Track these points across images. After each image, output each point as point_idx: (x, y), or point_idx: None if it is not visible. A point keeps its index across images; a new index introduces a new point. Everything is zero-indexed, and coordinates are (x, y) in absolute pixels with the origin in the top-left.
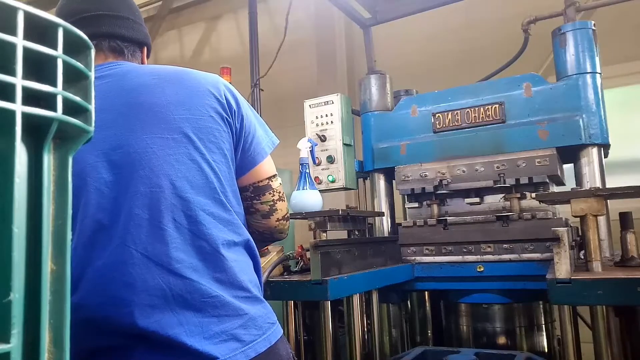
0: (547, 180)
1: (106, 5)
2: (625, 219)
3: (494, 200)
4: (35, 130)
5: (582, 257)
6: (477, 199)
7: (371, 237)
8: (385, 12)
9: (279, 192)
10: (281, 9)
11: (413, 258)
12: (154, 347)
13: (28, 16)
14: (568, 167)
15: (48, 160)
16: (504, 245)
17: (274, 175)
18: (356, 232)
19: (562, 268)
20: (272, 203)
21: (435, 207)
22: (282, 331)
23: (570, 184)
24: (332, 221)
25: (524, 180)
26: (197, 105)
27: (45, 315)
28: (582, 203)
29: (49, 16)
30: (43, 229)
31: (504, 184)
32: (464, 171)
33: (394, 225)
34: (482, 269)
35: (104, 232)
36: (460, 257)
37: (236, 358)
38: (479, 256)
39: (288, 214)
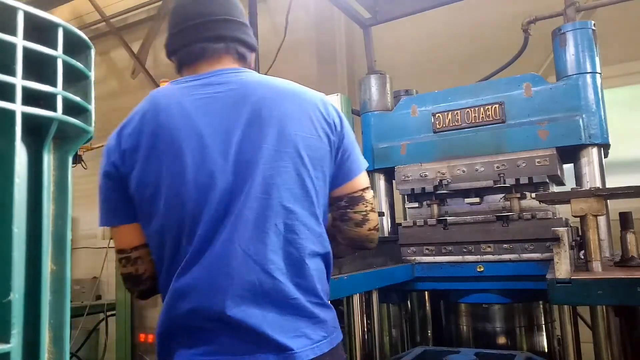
0: (547, 180)
1: (231, 11)
2: (625, 219)
3: (494, 200)
4: (35, 130)
5: (582, 257)
6: (477, 199)
7: None
8: (385, 12)
9: (372, 204)
10: (281, 8)
11: (413, 258)
12: (239, 333)
13: (28, 16)
14: (568, 167)
15: (48, 160)
16: (504, 245)
17: (367, 188)
18: None
19: (562, 268)
20: (364, 213)
21: (435, 207)
22: (342, 336)
23: (570, 184)
24: None
25: (524, 180)
26: (309, 123)
27: (45, 315)
28: (582, 203)
29: (49, 16)
30: (43, 229)
31: (504, 184)
32: (464, 171)
33: (394, 225)
34: (482, 269)
35: (220, 226)
36: (460, 257)
37: (306, 352)
38: (479, 256)
39: (378, 226)
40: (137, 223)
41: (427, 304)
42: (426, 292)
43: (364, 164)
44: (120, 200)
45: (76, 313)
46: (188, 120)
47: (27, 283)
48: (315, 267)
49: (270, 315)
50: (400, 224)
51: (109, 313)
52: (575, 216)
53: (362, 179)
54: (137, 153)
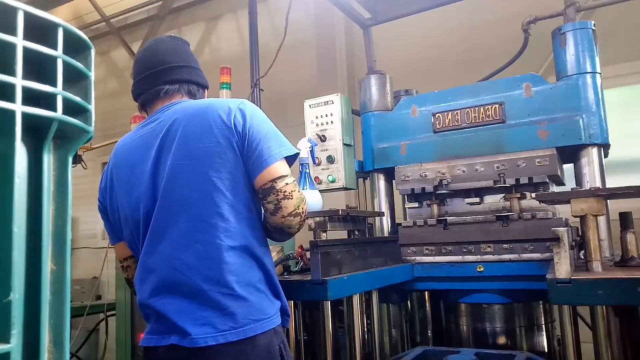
0: (547, 180)
1: (182, 59)
2: (625, 219)
3: (494, 200)
4: (35, 130)
5: (582, 257)
6: (477, 199)
7: (371, 237)
8: (385, 12)
9: (284, 192)
10: (281, 9)
11: (413, 258)
12: (159, 318)
13: (28, 16)
14: (568, 167)
15: (48, 160)
16: (504, 245)
17: (279, 177)
18: (356, 232)
19: (562, 268)
20: (276, 202)
21: (435, 207)
22: (268, 328)
23: (570, 184)
24: (332, 221)
25: (524, 180)
26: (208, 134)
27: (45, 315)
28: (582, 203)
29: (49, 16)
30: (43, 229)
31: (504, 184)
32: (464, 171)
33: (394, 225)
34: (482, 269)
35: (145, 236)
36: (460, 257)
37: (206, 339)
38: (479, 256)
39: (298, 211)
40: (123, 241)
41: (427, 304)
42: (426, 292)
43: (276, 154)
44: (109, 226)
45: (76, 313)
46: (128, 157)
47: (27, 283)
48: (226, 260)
49: (181, 304)
50: (400, 224)
51: (109, 313)
52: (575, 216)
53: (272, 170)
54: (107, 190)
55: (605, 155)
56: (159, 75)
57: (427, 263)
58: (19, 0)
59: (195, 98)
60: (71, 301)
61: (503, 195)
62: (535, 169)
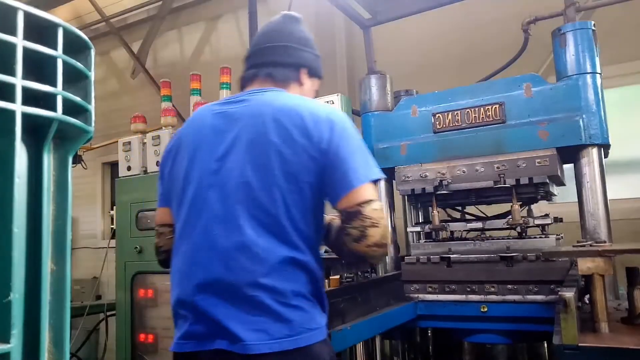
0: (547, 181)
1: (274, 39)
2: (632, 274)
3: (498, 225)
4: (35, 130)
5: (587, 301)
6: (479, 224)
7: (374, 279)
8: (385, 12)
9: (372, 219)
10: (281, 9)
11: (416, 295)
12: (203, 320)
13: (28, 16)
14: (568, 167)
15: (48, 160)
16: (508, 285)
17: (367, 202)
18: (359, 274)
19: (569, 333)
20: (362, 229)
21: (436, 216)
22: (321, 338)
23: (570, 184)
24: (335, 267)
25: (524, 181)
26: (288, 142)
27: (45, 315)
28: (589, 262)
29: (49, 16)
30: (43, 229)
31: (504, 184)
32: (464, 171)
33: (393, 226)
34: (485, 309)
35: (197, 219)
36: (464, 296)
37: (259, 346)
38: (482, 296)
39: (384, 241)
40: (168, 208)
41: (430, 342)
42: (429, 330)
43: (364, 175)
44: (161, 188)
45: (76, 313)
46: (200, 129)
47: (27, 283)
48: (282, 269)
49: (231, 307)
50: (403, 259)
51: (109, 313)
52: (582, 275)
53: (360, 192)
54: (171, 153)
55: (605, 156)
56: (247, 59)
57: (430, 301)
58: (19, 0)
59: (274, 80)
60: (71, 301)
61: (506, 220)
62: (535, 169)
